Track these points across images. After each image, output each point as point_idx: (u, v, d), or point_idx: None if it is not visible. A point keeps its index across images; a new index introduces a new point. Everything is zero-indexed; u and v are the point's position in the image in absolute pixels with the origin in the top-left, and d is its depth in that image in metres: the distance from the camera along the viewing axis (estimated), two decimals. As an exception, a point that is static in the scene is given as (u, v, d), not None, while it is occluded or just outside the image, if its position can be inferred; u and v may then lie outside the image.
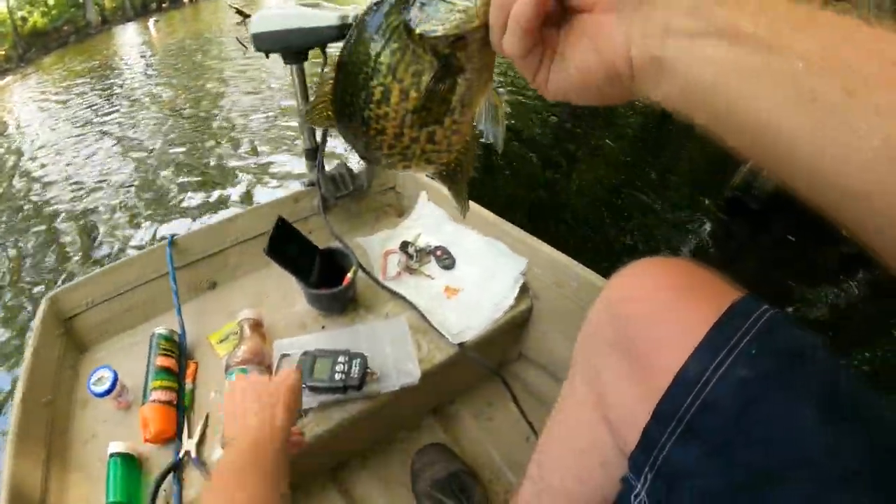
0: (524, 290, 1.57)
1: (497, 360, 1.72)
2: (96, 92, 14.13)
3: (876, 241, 0.35)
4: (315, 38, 1.48)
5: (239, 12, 21.69)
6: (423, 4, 0.56)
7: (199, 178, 5.49)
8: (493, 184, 4.52)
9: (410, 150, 0.67)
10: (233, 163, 5.65)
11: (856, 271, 3.28)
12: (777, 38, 0.37)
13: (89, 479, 1.26)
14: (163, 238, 1.72)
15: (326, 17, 1.44)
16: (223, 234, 1.79)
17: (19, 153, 10.78)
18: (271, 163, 5.47)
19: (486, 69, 0.61)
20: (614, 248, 3.62)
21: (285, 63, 1.61)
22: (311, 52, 1.60)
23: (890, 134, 0.32)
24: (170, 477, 1.19)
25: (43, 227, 5.75)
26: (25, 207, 6.62)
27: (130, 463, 1.22)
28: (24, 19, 42.14)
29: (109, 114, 10.88)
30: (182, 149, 6.66)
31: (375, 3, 0.61)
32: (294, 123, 6.44)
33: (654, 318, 0.71)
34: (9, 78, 32.60)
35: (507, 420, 1.60)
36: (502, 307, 1.52)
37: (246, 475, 0.84)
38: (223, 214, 4.17)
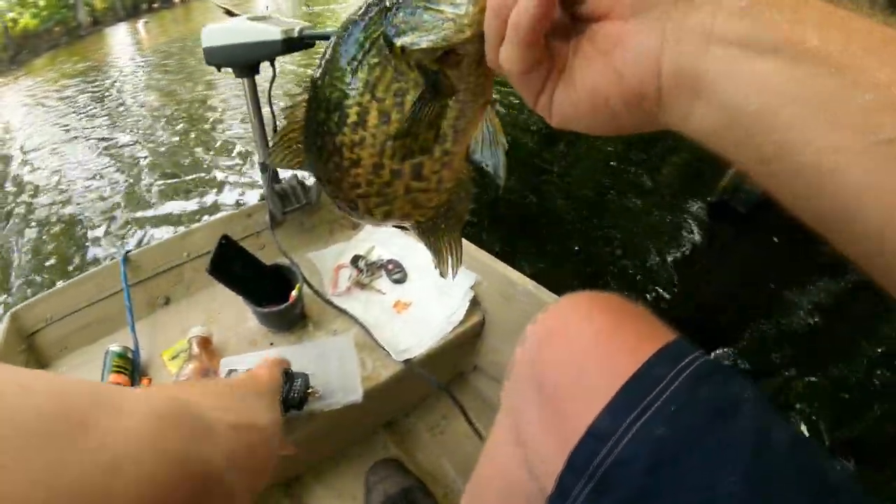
0: (475, 304, 1.59)
1: (450, 373, 1.73)
2: (86, 95, 14.15)
3: None
4: (261, 52, 1.50)
5: (228, 12, 21.82)
6: (404, 11, 0.47)
7: (186, 185, 5.51)
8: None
9: (392, 187, 0.57)
10: (221, 168, 5.68)
11: (842, 273, 3.29)
12: (850, 60, 0.29)
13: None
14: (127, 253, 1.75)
15: (270, 31, 1.46)
16: (178, 250, 1.80)
17: (7, 158, 10.83)
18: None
19: (483, 89, 0.52)
20: (597, 257, 3.63)
21: (236, 76, 1.62)
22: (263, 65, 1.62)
23: None
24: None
25: (32, 235, 5.81)
26: (15, 212, 6.68)
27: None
28: (14, 21, 42.14)
29: (98, 117, 10.91)
30: (169, 154, 6.70)
31: (357, 12, 0.53)
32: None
33: (573, 362, 0.67)
34: None
35: (460, 434, 1.61)
36: (453, 321, 1.53)
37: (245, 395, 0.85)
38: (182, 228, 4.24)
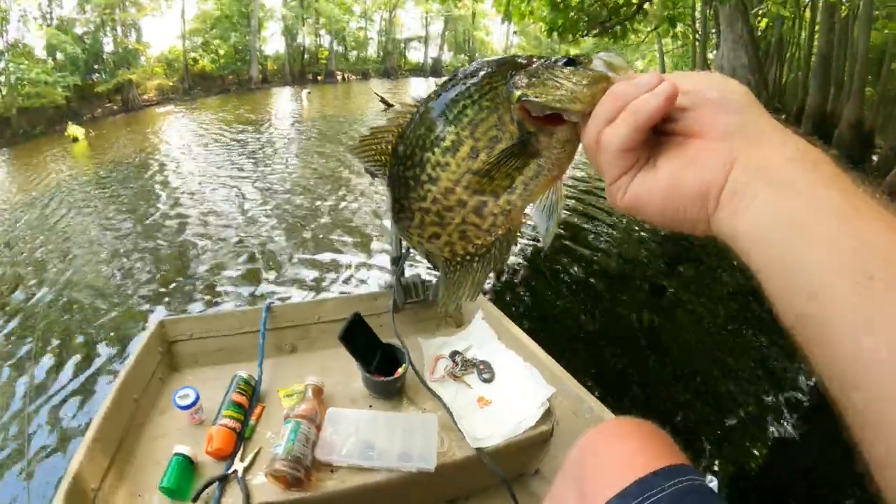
0: (548, 413, 1.84)
1: (514, 471, 1.95)
2: (243, 140, 15.62)
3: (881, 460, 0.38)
4: None
5: (383, 101, 23.57)
6: (532, 75, 0.59)
7: (314, 254, 6.13)
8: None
9: (452, 213, 0.66)
10: (350, 248, 6.25)
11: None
12: (853, 213, 0.41)
13: (148, 468, 1.62)
14: (266, 299, 2.17)
15: None
16: (311, 312, 2.22)
17: (164, 176, 12.05)
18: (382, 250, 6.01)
19: (562, 163, 0.62)
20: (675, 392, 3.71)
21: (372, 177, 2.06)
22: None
23: None
24: (215, 485, 1.53)
25: (168, 252, 6.60)
26: (159, 234, 7.53)
27: (188, 464, 1.58)
28: (195, 60, 46.74)
29: (251, 164, 12.01)
30: (309, 220, 7.41)
31: (490, 62, 0.64)
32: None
33: (606, 467, 0.94)
34: (171, 106, 36.29)
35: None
36: (525, 425, 1.78)
37: None
38: (319, 294, 4.78)
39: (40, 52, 44.43)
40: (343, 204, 7.80)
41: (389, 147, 0.71)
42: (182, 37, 48.19)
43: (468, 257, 0.71)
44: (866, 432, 0.39)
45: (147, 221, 8.26)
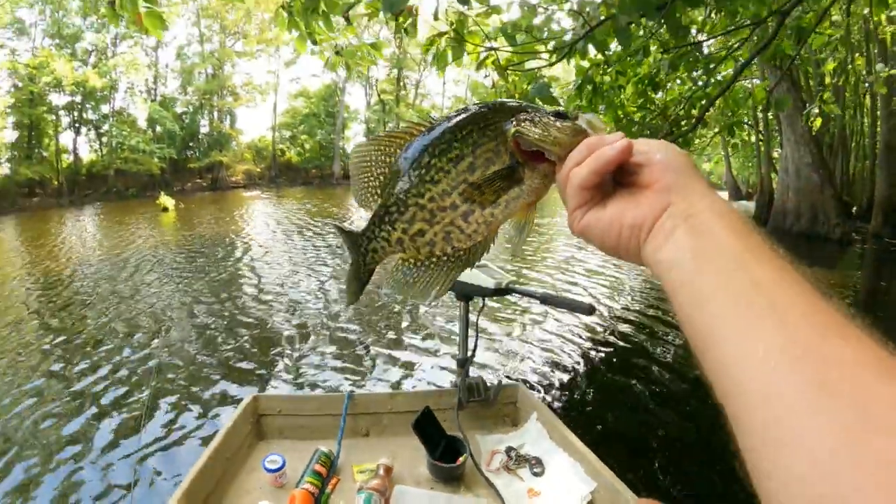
0: (589, 506, 2.08)
1: None
2: (325, 233, 16.35)
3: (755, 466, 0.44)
4: (475, 291, 2.43)
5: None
6: (530, 118, 0.74)
7: (390, 350, 6.58)
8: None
9: (444, 213, 0.79)
10: (419, 350, 6.65)
11: None
12: (749, 255, 0.53)
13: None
14: (345, 390, 2.56)
15: (485, 279, 2.35)
16: (386, 403, 2.60)
17: (250, 258, 12.73)
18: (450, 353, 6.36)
19: (538, 193, 0.78)
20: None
21: (457, 299, 2.58)
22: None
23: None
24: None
25: (251, 332, 7.15)
26: (245, 313, 8.12)
27: (270, 519, 1.90)
28: (282, 151, 49.30)
29: (331, 258, 12.64)
30: (384, 319, 7.89)
31: (491, 102, 0.80)
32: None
33: None
34: (257, 192, 38.05)
35: None
36: (569, 517, 2.04)
37: None
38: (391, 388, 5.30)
39: (142, 123, 48.16)
40: (415, 308, 8.17)
41: (397, 150, 0.83)
42: (272, 128, 52.16)
43: (439, 258, 0.83)
44: (747, 440, 0.45)
45: (233, 300, 8.94)
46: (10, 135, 44.57)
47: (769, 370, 0.44)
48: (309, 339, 6.81)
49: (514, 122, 0.75)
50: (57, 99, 45.47)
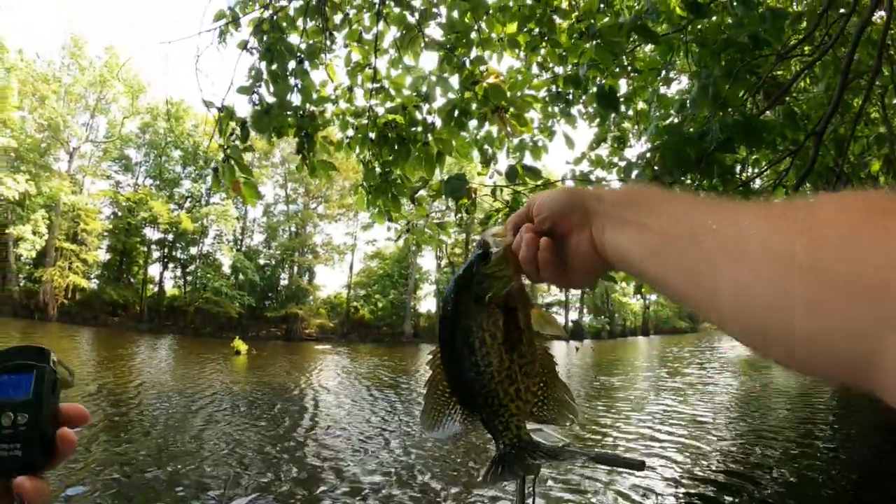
0: None
1: None
2: (393, 393, 16.36)
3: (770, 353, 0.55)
4: None
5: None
6: (482, 280, 0.93)
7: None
8: None
9: (510, 368, 0.95)
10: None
11: None
12: (666, 229, 0.67)
13: None
14: None
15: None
16: None
17: (315, 412, 12.76)
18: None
19: (526, 300, 0.96)
20: None
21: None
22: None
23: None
24: None
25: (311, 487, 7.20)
26: (303, 466, 8.19)
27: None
28: (356, 308, 50.74)
29: (397, 418, 12.55)
30: (439, 483, 7.80)
31: (449, 297, 0.98)
32: None
33: None
34: (329, 346, 38.77)
35: None
36: None
37: None
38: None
39: (226, 269, 51.19)
40: (471, 478, 8.03)
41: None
42: (348, 286, 54.75)
43: (542, 388, 1.00)
44: (734, 321, 0.58)
45: (292, 452, 9.05)
46: (104, 256, 48.07)
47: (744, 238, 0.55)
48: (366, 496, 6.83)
49: (481, 293, 0.94)
50: (151, 233, 49.29)
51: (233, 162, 3.71)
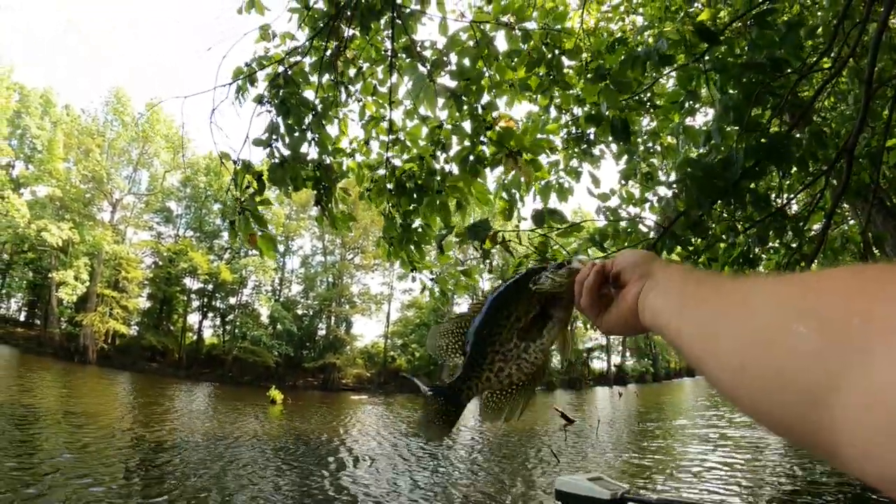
0: None
1: None
2: (424, 445, 16.20)
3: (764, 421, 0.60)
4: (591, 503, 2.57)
5: (563, 416, 23.59)
6: (545, 276, 1.10)
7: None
8: None
9: (511, 352, 1.13)
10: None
11: None
12: (700, 296, 0.78)
13: None
14: None
15: (601, 492, 2.44)
16: None
17: (347, 460, 12.71)
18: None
19: (565, 319, 1.14)
20: None
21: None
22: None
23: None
24: None
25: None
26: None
27: None
28: (393, 358, 50.89)
29: (428, 470, 12.42)
30: None
31: (521, 274, 1.17)
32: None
33: None
34: (365, 396, 38.95)
35: None
36: None
37: None
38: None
39: (264, 319, 51.90)
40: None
41: (466, 324, 1.20)
42: (384, 336, 55.33)
43: (516, 385, 1.17)
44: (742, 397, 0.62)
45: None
46: (144, 303, 49.03)
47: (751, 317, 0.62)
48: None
49: (534, 282, 1.12)
50: (190, 283, 50.11)
51: (248, 214, 3.76)
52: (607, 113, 4.10)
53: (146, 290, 49.70)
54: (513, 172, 3.99)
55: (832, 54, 4.22)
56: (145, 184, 52.79)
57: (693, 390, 43.39)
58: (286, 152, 4.00)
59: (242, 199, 3.85)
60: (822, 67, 4.45)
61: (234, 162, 3.98)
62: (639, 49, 4.15)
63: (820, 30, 4.70)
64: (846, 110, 5.77)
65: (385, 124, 4.68)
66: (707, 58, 4.20)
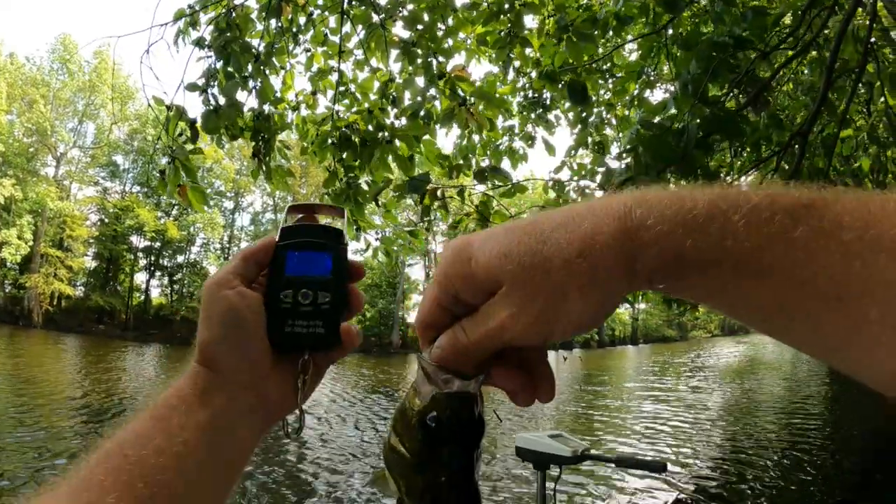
0: None
1: None
2: (373, 400, 16.25)
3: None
4: (553, 460, 2.52)
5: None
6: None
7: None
8: None
9: None
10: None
11: None
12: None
13: None
14: None
15: (562, 448, 2.31)
16: None
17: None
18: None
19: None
20: None
21: (534, 468, 2.61)
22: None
23: None
24: None
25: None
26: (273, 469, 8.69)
27: None
28: (343, 317, 50.93)
29: (378, 431, 12.42)
30: None
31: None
32: None
33: None
34: (316, 354, 39.42)
35: None
36: None
37: None
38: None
39: (212, 277, 50.90)
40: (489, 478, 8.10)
41: None
42: None
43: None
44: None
45: (272, 463, 9.16)
46: (90, 263, 47.73)
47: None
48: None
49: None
50: (137, 241, 48.85)
51: (179, 164, 3.48)
52: (565, 79, 3.99)
53: (92, 249, 48.21)
54: (459, 126, 3.83)
55: (797, 36, 4.19)
56: (91, 137, 50.67)
57: (636, 357, 44.47)
58: (223, 99, 3.72)
59: (174, 148, 3.56)
60: (786, 48, 4.38)
61: (168, 108, 3.69)
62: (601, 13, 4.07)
63: (787, 18, 4.67)
64: (804, 99, 5.78)
65: (334, 77, 4.43)
66: (671, 32, 4.14)
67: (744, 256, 0.42)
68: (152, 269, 50.63)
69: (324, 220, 0.82)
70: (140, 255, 50.24)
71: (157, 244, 49.69)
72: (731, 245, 0.42)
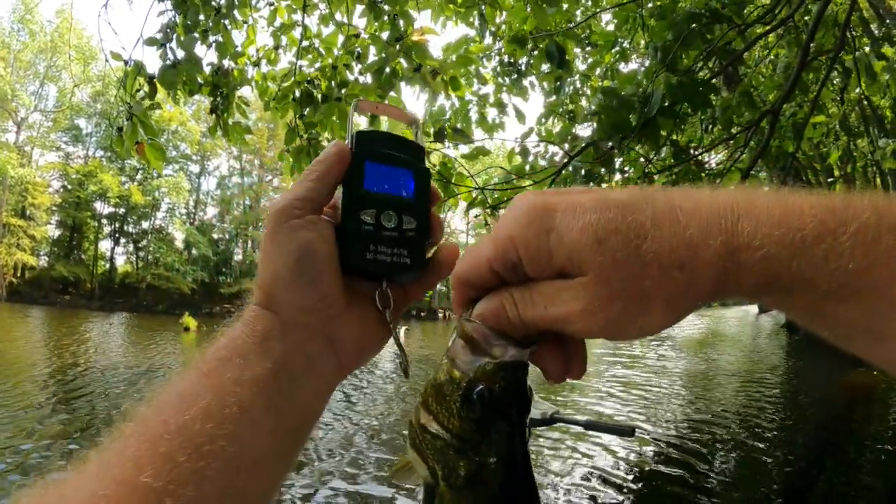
0: None
1: None
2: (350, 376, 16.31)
3: None
4: None
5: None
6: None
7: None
8: None
9: None
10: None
11: None
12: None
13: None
14: None
15: (532, 411, 2.29)
16: None
17: None
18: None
19: None
20: None
21: None
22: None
23: None
24: None
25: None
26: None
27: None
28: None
29: (356, 401, 12.39)
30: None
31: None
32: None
33: None
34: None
35: None
36: None
37: None
38: None
39: (179, 244, 50.41)
40: None
41: None
42: None
43: None
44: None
45: None
46: (53, 232, 46.70)
47: None
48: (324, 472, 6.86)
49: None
50: (101, 208, 47.81)
51: (137, 121, 3.35)
52: (541, 45, 3.93)
53: (55, 217, 47.18)
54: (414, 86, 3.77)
55: (775, 14, 4.20)
56: (53, 100, 49.17)
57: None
58: (181, 54, 3.58)
59: (131, 105, 3.42)
60: (762, 23, 4.37)
61: (126, 63, 3.55)
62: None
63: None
64: (779, 79, 5.81)
65: (298, 31, 4.28)
66: (650, 5, 4.12)
67: (843, 279, 0.39)
68: (117, 236, 49.81)
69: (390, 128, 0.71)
70: (104, 221, 49.32)
71: (122, 210, 48.85)
72: (833, 268, 0.39)
